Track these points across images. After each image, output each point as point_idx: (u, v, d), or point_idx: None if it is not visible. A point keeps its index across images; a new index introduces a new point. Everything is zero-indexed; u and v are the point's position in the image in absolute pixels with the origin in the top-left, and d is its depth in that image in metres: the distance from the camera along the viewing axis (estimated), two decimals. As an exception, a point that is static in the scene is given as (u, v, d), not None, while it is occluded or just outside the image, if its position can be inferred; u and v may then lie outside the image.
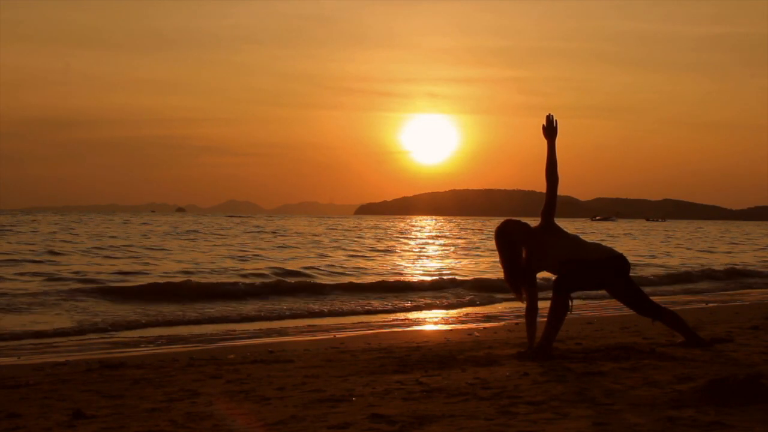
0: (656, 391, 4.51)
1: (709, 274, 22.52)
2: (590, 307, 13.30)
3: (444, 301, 15.69)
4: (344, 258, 28.36)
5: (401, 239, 48.12)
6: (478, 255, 31.61)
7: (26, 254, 25.90)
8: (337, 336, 10.10)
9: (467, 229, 78.73)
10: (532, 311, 6.07)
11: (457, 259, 29.55)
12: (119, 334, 10.75)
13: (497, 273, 6.23)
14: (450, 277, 19.62)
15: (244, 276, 19.67)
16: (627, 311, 6.64)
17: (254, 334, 10.74)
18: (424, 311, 14.24)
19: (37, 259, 24.16)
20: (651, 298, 6.21)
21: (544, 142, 6.09)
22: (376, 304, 14.82)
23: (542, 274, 6.12)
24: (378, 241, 44.06)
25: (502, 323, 11.51)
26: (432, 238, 52.36)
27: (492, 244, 6.25)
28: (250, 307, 13.93)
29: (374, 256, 30.20)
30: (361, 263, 25.85)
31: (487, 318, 12.74)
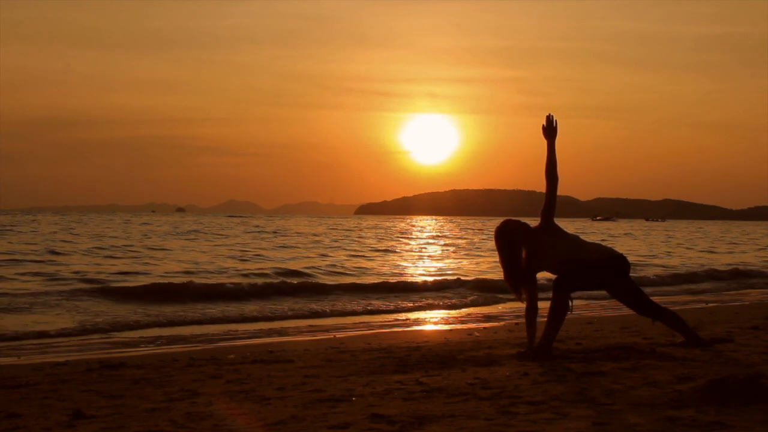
0: (656, 391, 4.51)
1: (712, 275, 22.43)
2: (590, 307, 13.30)
3: (447, 301, 15.69)
4: (345, 258, 28.35)
5: (402, 239, 48.13)
6: (479, 255, 31.60)
7: (27, 254, 25.91)
8: (337, 336, 10.10)
9: (468, 229, 78.74)
10: (532, 311, 6.07)
11: (458, 259, 29.54)
12: (120, 335, 10.74)
13: (499, 273, 6.22)
14: (454, 277, 19.55)
15: (246, 276, 19.68)
16: (627, 311, 6.64)
17: (254, 334, 10.74)
18: (428, 311, 14.24)
19: (38, 259, 24.17)
20: (652, 298, 6.22)
21: (544, 142, 6.09)
22: (378, 304, 14.81)
23: (542, 274, 6.12)
24: (379, 241, 44.07)
25: (502, 323, 11.51)
26: (433, 238, 52.38)
27: (492, 244, 6.25)
28: (251, 307, 13.91)
29: (376, 257, 30.19)
30: (363, 263, 25.83)
31: (487, 318, 12.74)
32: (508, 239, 6.02)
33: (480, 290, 17.11)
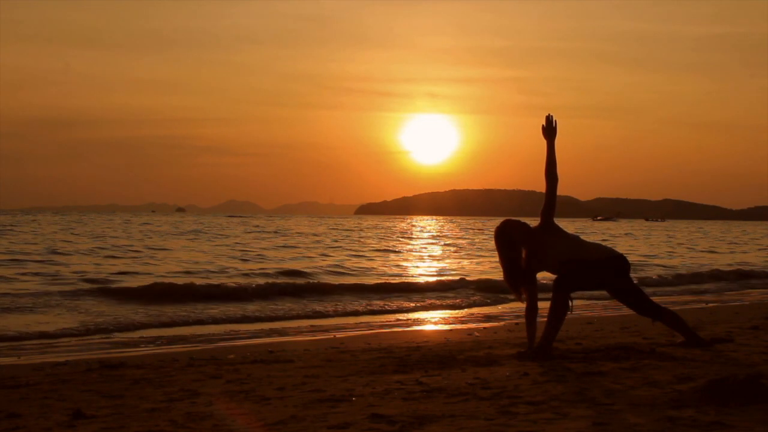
0: (656, 391, 4.51)
1: (716, 275, 22.33)
2: (590, 307, 13.30)
3: (452, 301, 15.68)
4: (347, 258, 28.35)
5: (403, 240, 48.11)
6: (480, 255, 31.58)
7: (28, 254, 25.93)
8: (337, 336, 10.11)
9: (468, 229, 78.74)
10: (532, 311, 6.07)
11: (461, 259, 29.54)
12: (121, 335, 10.74)
13: (501, 274, 6.23)
14: (457, 277, 19.50)
15: (247, 276, 19.67)
16: (627, 311, 6.64)
17: (254, 334, 10.75)
18: (432, 311, 14.23)
19: (39, 259, 24.18)
20: (653, 298, 6.22)
21: (544, 142, 6.09)
22: (381, 304, 14.78)
23: (542, 274, 6.12)
24: (380, 241, 44.08)
25: (502, 323, 11.52)
26: (433, 238, 52.38)
27: (493, 244, 6.25)
28: (252, 307, 13.90)
29: (377, 257, 30.18)
30: (364, 263, 25.80)
31: (488, 318, 12.74)
32: (508, 239, 6.02)
33: (484, 291, 17.04)
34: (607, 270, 5.91)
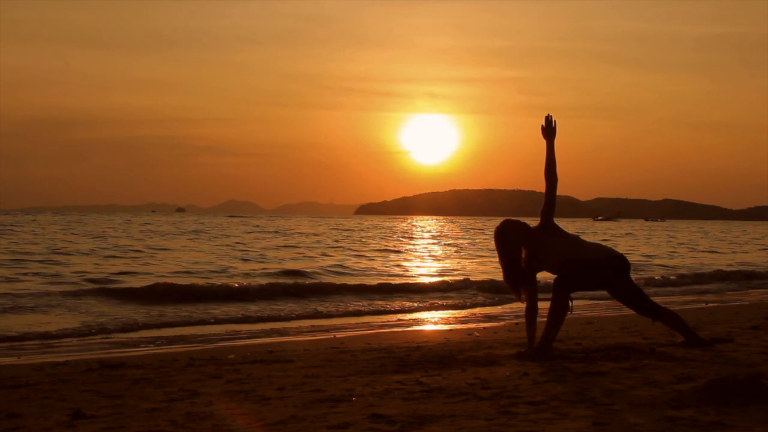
0: (656, 391, 4.51)
1: (719, 276, 22.19)
2: (590, 307, 13.30)
3: (456, 301, 15.65)
4: (348, 258, 28.35)
5: (405, 240, 48.10)
6: (482, 256, 31.55)
7: (28, 255, 25.93)
8: (337, 336, 10.10)
9: (469, 229, 78.72)
10: (532, 311, 6.07)
11: (463, 259, 29.52)
12: (121, 335, 10.74)
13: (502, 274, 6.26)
14: (461, 278, 19.42)
15: (248, 276, 19.65)
16: (627, 311, 6.64)
17: (254, 334, 10.75)
18: (439, 311, 14.20)
19: (40, 259, 24.18)
20: (653, 298, 6.21)
21: (544, 142, 6.10)
22: (384, 305, 14.73)
23: (542, 274, 6.12)
24: (382, 241, 44.06)
25: (502, 323, 11.52)
26: (435, 238, 52.36)
27: (494, 244, 6.25)
28: (253, 307, 13.87)
29: (380, 257, 30.14)
30: (366, 264, 25.76)
31: (488, 318, 12.74)
32: (508, 239, 6.02)
33: (488, 291, 16.95)
34: (607, 270, 5.91)
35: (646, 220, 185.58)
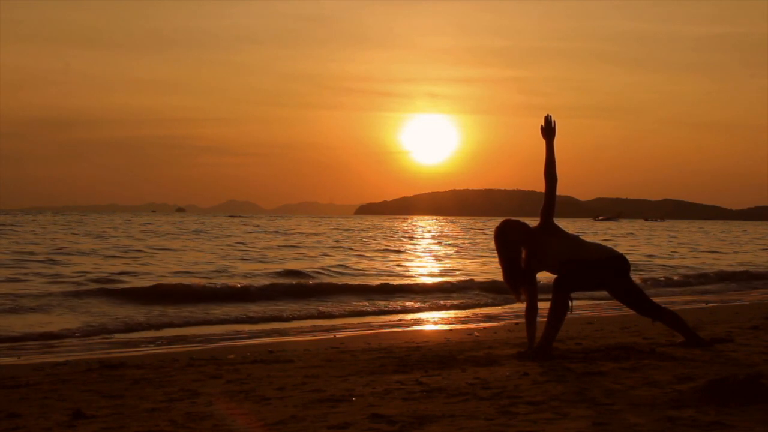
0: (656, 391, 4.51)
1: (724, 276, 22.07)
2: (590, 307, 13.30)
3: (460, 301, 15.62)
4: (350, 258, 28.33)
5: (407, 240, 48.09)
6: (484, 256, 31.53)
7: (29, 255, 25.92)
8: (337, 336, 10.10)
9: (470, 229, 78.72)
10: (532, 311, 6.07)
11: (463, 259, 29.51)
12: (122, 335, 10.73)
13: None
14: (465, 278, 19.31)
15: (249, 276, 19.63)
16: (627, 311, 6.64)
17: (254, 334, 10.75)
18: (444, 311, 14.19)
19: (41, 259, 24.18)
20: (653, 298, 6.21)
21: (544, 143, 6.10)
22: (388, 305, 14.71)
23: (542, 274, 6.11)
24: (383, 242, 44.06)
25: (502, 323, 11.52)
26: (437, 238, 52.35)
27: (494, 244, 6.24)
28: (255, 308, 13.84)
29: (383, 257, 30.10)
30: (369, 264, 25.70)
31: (488, 318, 12.74)
32: (508, 239, 6.02)
33: (492, 291, 16.85)
34: (607, 270, 5.91)
35: (646, 220, 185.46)
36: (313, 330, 11.11)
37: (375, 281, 18.69)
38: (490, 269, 23.08)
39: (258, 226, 74.28)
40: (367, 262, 26.86)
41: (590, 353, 5.99)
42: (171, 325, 11.76)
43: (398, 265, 25.62)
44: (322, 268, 22.65)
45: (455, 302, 15.51)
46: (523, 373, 5.24)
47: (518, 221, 6.10)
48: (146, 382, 5.84)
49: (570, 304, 5.89)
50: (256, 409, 4.56)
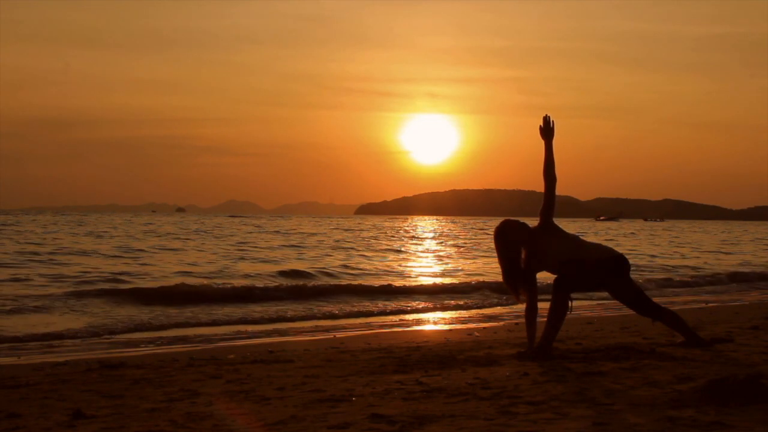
0: (656, 391, 4.51)
1: (737, 277, 21.91)
2: (590, 307, 13.30)
3: (471, 301, 15.60)
4: (353, 258, 28.30)
5: (407, 240, 48.08)
6: (487, 256, 31.51)
7: (30, 255, 25.92)
8: (337, 336, 10.11)
9: (472, 229, 78.71)
10: (532, 311, 6.07)
11: (465, 259, 29.49)
12: (122, 335, 10.72)
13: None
14: (473, 279, 19.28)
15: (251, 277, 19.62)
16: (627, 311, 6.64)
17: (254, 334, 10.75)
18: (448, 312, 14.18)
19: (42, 259, 24.18)
20: (655, 299, 6.22)
21: (543, 143, 6.10)
22: (403, 306, 14.65)
23: (542, 274, 6.11)
24: (386, 242, 44.06)
25: (502, 323, 11.52)
26: (438, 238, 52.33)
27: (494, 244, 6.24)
28: (258, 308, 13.81)
29: (387, 257, 30.07)
30: (374, 264, 25.59)
31: (488, 318, 12.74)
32: (508, 239, 6.02)
33: (502, 292, 16.75)
34: (607, 270, 5.91)
35: (645, 220, 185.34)
36: (313, 330, 11.11)
37: (380, 281, 18.71)
38: (494, 269, 23.00)
39: (259, 226, 74.29)
40: (369, 262, 26.83)
41: (590, 353, 5.99)
42: (172, 326, 11.74)
43: (407, 266, 25.54)
44: (325, 268, 22.64)
45: (469, 302, 15.46)
46: (523, 373, 5.24)
47: (518, 221, 6.10)
48: (146, 382, 5.84)
49: (570, 304, 5.89)
50: (256, 409, 4.56)
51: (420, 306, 14.78)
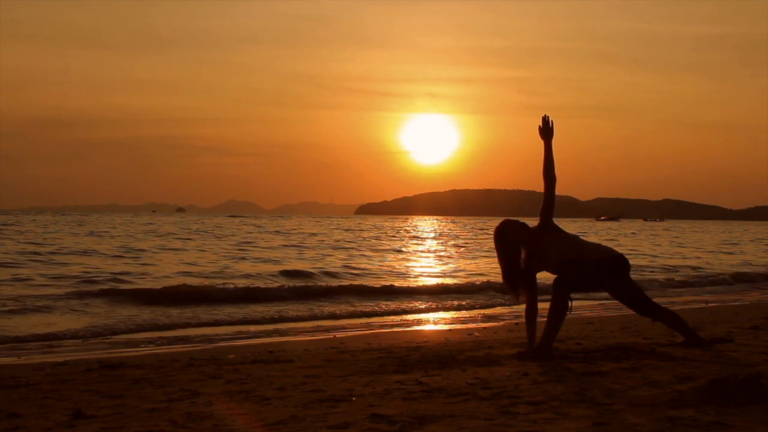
0: (656, 391, 4.51)
1: (741, 278, 21.87)
2: (590, 307, 13.30)
3: (477, 302, 15.60)
4: (354, 259, 28.28)
5: (409, 240, 48.08)
6: (489, 256, 31.51)
7: (31, 255, 25.92)
8: (337, 336, 10.11)
9: (473, 229, 78.71)
10: (532, 311, 6.07)
11: (465, 259, 29.48)
12: (122, 335, 10.73)
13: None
14: (479, 279, 19.27)
15: (253, 278, 19.61)
16: (627, 311, 6.64)
17: (254, 333, 10.75)
18: (454, 312, 14.17)
19: (42, 259, 24.19)
20: (654, 299, 6.22)
21: (542, 143, 6.10)
22: (408, 306, 14.65)
23: (542, 274, 6.11)
24: (389, 242, 44.05)
25: (502, 323, 11.52)
26: (440, 238, 52.33)
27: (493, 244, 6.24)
28: (259, 308, 13.80)
29: (391, 257, 30.05)
30: (377, 264, 25.57)
31: (487, 318, 12.74)
32: (508, 239, 6.02)
33: (507, 293, 16.66)
34: (607, 270, 5.91)
35: (645, 220, 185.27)
36: (314, 330, 11.11)
37: (382, 282, 18.67)
38: (496, 269, 22.95)
39: (259, 226, 74.31)
40: (370, 262, 26.83)
41: (590, 353, 5.99)
42: (174, 326, 11.73)
43: (413, 267, 25.52)
44: (326, 268, 22.63)
45: (471, 302, 15.44)
46: (523, 373, 5.24)
47: (518, 221, 6.10)
48: (146, 382, 5.84)
49: (570, 304, 5.89)
50: (256, 409, 4.56)
51: (422, 306, 14.77)
